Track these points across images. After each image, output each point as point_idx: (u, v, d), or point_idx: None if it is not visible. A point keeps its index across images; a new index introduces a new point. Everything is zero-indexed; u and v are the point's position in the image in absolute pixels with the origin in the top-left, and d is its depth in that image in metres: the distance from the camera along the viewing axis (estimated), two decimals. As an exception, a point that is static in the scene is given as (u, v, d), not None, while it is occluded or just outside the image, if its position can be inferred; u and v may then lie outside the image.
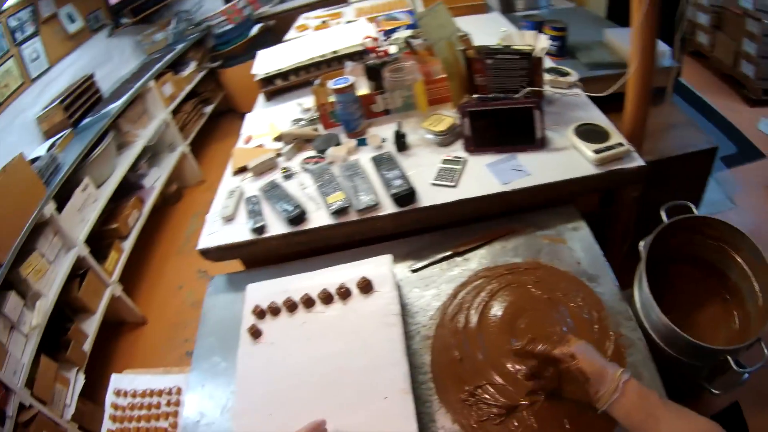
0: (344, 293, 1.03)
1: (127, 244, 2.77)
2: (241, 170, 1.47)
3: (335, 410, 0.90)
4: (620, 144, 1.17)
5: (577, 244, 1.11)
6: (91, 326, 2.47)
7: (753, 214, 2.28)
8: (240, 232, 1.27)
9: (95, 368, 2.52)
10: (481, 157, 1.26)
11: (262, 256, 1.29)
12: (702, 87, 3.12)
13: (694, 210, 1.31)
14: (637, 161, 1.15)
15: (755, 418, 1.46)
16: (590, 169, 1.15)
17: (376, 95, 1.46)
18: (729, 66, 3.04)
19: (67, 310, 2.48)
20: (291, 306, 1.06)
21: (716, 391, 1.20)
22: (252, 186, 1.40)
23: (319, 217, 1.20)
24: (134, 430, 1.38)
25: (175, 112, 3.42)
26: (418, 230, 1.19)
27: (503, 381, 0.89)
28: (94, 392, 2.48)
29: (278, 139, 1.50)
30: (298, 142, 1.46)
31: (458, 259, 1.14)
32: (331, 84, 1.41)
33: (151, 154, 3.23)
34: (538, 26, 1.95)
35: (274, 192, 1.30)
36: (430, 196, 1.18)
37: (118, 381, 1.52)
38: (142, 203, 2.95)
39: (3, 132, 2.55)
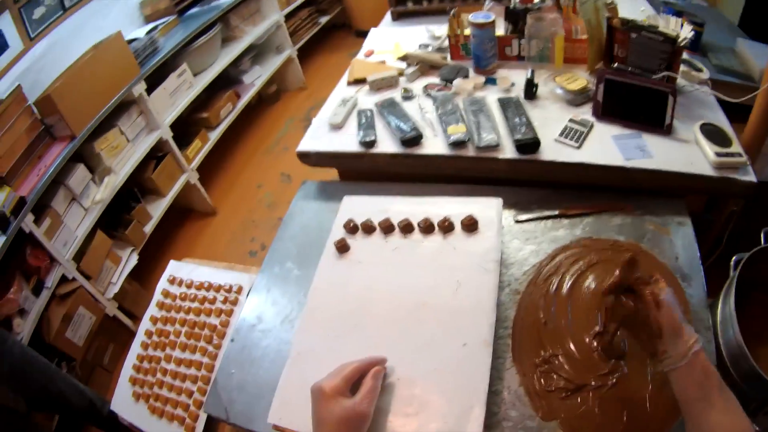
0: (447, 227, 0.98)
1: (214, 135, 2.78)
2: (359, 81, 1.43)
3: (408, 345, 0.86)
4: (740, 154, 1.09)
5: (679, 239, 1.04)
6: (158, 209, 2.50)
7: None
8: (347, 141, 1.24)
9: (152, 252, 2.57)
10: (607, 126, 1.19)
11: (363, 172, 1.26)
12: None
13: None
14: (751, 176, 1.07)
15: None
16: (708, 170, 1.07)
17: (513, 38, 1.38)
18: None
19: (138, 190, 2.52)
20: (387, 228, 1.02)
21: (757, 428, 1.15)
22: (367, 99, 1.36)
23: (434, 145, 1.16)
24: (180, 320, 1.28)
25: (289, 16, 3.38)
26: (530, 182, 1.13)
27: (580, 356, 0.85)
28: (143, 276, 2.53)
29: (403, 59, 1.44)
30: (422, 66, 1.40)
31: (564, 221, 1.08)
32: (471, 17, 1.33)
33: (256, 52, 3.22)
34: (677, 15, 1.82)
35: (391, 109, 1.26)
36: (551, 151, 1.11)
37: (175, 268, 1.41)
38: (238, 98, 2.95)
39: (100, 14, 2.53)
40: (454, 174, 1.16)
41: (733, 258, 1.24)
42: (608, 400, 0.80)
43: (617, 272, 0.75)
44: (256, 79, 3.10)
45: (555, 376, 0.83)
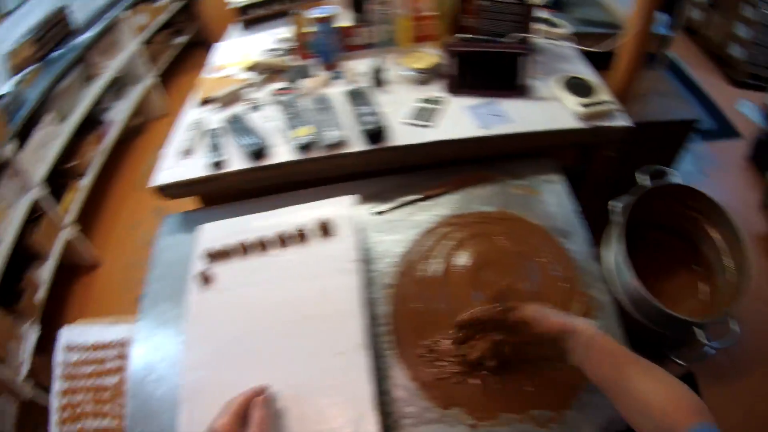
0: (302, 236, 0.94)
1: (85, 183, 2.59)
2: (208, 101, 1.34)
3: (291, 363, 0.82)
4: (608, 101, 1.11)
5: (552, 197, 1.04)
6: (45, 273, 2.29)
7: (725, 190, 2.27)
8: (198, 167, 1.15)
9: (51, 319, 2.35)
10: (463, 99, 1.18)
11: (221, 194, 1.18)
12: (688, 62, 3.06)
13: (679, 178, 1.25)
14: (625, 121, 1.10)
15: (708, 391, 1.44)
16: (574, 123, 1.09)
17: (359, 27, 1.33)
18: (718, 45, 2.96)
19: (22, 258, 2.28)
20: (246, 248, 0.97)
21: (682, 363, 1.16)
22: (216, 118, 1.27)
23: (283, 152, 1.09)
24: (84, 389, 1.22)
25: (148, 42, 3.20)
26: (389, 171, 1.10)
27: (466, 337, 0.81)
28: (50, 345, 2.37)
29: (251, 68, 1.36)
30: (270, 72, 1.33)
31: (428, 203, 1.05)
32: (310, 12, 1.28)
33: (118, 86, 3.03)
34: None
35: (237, 125, 1.18)
36: (404, 134, 1.08)
37: (67, 335, 1.33)
38: (101, 139, 2.76)
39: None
40: (309, 178, 1.10)
41: (611, 203, 1.25)
42: (507, 373, 0.78)
43: (474, 312, 0.76)
44: (119, 114, 2.93)
45: (444, 362, 0.81)
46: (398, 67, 1.25)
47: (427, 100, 1.15)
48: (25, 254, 2.29)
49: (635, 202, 1.22)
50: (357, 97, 1.16)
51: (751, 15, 2.68)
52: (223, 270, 0.96)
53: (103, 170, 2.80)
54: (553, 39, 1.37)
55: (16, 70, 2.47)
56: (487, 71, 1.17)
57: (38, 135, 2.26)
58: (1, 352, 1.94)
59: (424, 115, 1.11)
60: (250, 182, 1.12)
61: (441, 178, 1.08)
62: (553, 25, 1.41)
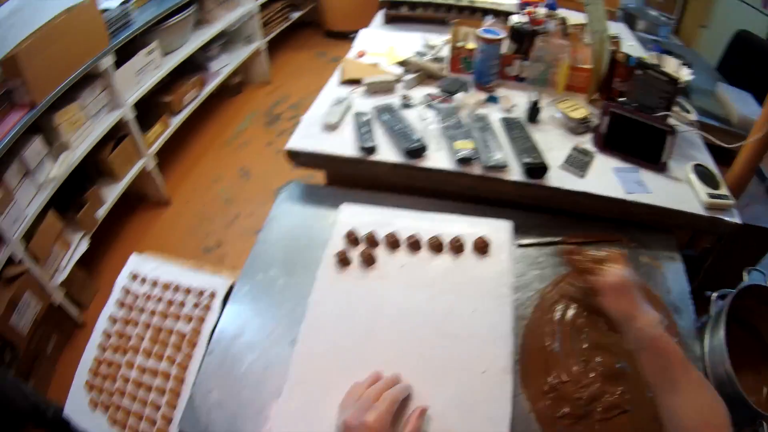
0: (457, 247, 0.90)
1: (175, 120, 2.56)
2: (352, 82, 1.31)
3: (425, 372, 0.78)
4: (728, 196, 1.10)
5: (670, 273, 1.03)
6: (111, 193, 2.27)
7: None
8: (343, 144, 1.12)
9: (102, 239, 2.35)
10: (607, 158, 1.15)
11: (356, 178, 1.14)
12: None
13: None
14: (736, 218, 1.09)
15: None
16: (699, 209, 1.08)
17: (515, 58, 1.31)
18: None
19: (93, 171, 2.28)
20: (393, 243, 0.92)
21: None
22: (363, 103, 1.24)
23: (438, 159, 1.06)
24: (144, 323, 1.13)
25: (263, 7, 3.18)
26: (529, 206, 1.07)
27: (586, 383, 0.81)
28: (92, 263, 2.31)
29: (401, 64, 1.33)
30: (421, 75, 1.31)
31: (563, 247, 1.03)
32: (480, 32, 1.25)
33: (226, 39, 3.00)
34: (665, 53, 1.84)
35: (391, 115, 1.15)
36: (557, 177, 1.05)
37: (137, 263, 1.24)
38: (202, 85, 2.73)
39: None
40: (455, 191, 1.06)
41: (713, 294, 1.25)
42: (614, 429, 0.77)
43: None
44: (223, 67, 2.88)
45: (562, 403, 0.80)
46: (552, 109, 1.23)
47: (579, 150, 1.13)
48: (98, 170, 2.28)
49: (735, 296, 1.22)
50: (514, 127, 1.13)
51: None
52: (366, 257, 0.92)
53: (194, 116, 2.77)
54: (683, 122, 1.37)
55: (128, -9, 2.44)
56: (635, 139, 1.16)
57: (138, 60, 2.24)
58: (44, 252, 1.93)
59: (577, 163, 1.09)
60: (395, 177, 1.08)
61: (579, 227, 1.06)
62: (683, 108, 1.41)
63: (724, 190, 1.11)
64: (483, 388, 0.76)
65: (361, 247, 0.94)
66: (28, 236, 1.87)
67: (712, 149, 1.28)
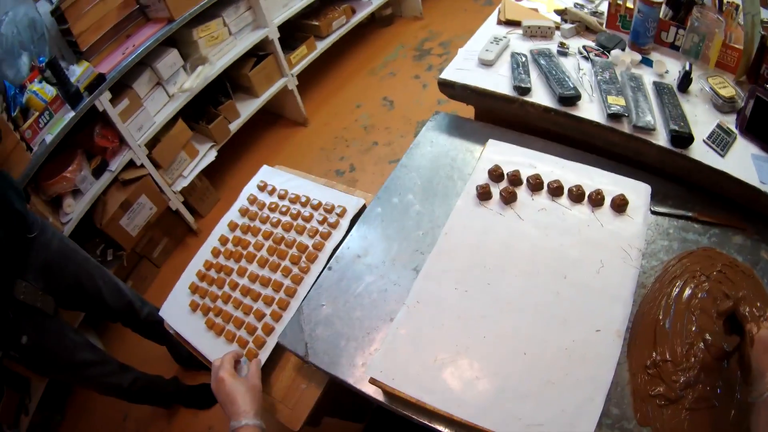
0: (597, 201, 0.93)
1: (322, 45, 2.60)
2: (510, 23, 1.35)
3: (541, 318, 0.80)
4: None
5: None
6: (248, 109, 2.34)
7: None
8: (498, 82, 1.18)
9: (231, 153, 2.43)
10: (747, 143, 1.15)
11: (505, 117, 1.20)
12: None
13: None
14: None
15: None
16: None
17: (672, 25, 1.31)
18: None
19: (233, 86, 2.34)
20: (536, 185, 0.95)
21: None
22: (521, 45, 1.29)
23: (589, 110, 1.11)
24: (265, 233, 1.09)
25: None
26: (666, 174, 1.10)
27: (687, 367, 0.80)
28: (216, 176, 2.40)
29: (560, 12, 1.36)
30: (579, 26, 1.33)
31: (695, 225, 1.04)
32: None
33: None
34: None
35: (548, 61, 1.21)
36: (699, 151, 1.08)
37: (267, 174, 1.22)
38: (353, 12, 2.76)
39: None
40: (600, 146, 1.12)
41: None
42: (698, 421, 0.76)
43: (730, 302, 0.76)
44: None
45: (659, 381, 0.79)
46: (703, 82, 1.24)
47: (723, 129, 1.15)
48: (236, 84, 2.35)
49: None
50: (665, 93, 1.16)
51: None
52: (508, 194, 0.95)
53: (341, 43, 2.80)
54: None
55: None
56: None
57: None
58: (166, 158, 2.02)
59: (719, 141, 1.12)
60: (544, 122, 1.15)
61: (711, 207, 1.07)
62: None
63: None
64: (593, 346, 0.77)
65: (504, 184, 0.98)
66: (153, 143, 1.97)
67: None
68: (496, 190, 0.97)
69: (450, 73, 1.23)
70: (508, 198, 0.95)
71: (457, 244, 0.90)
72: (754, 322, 0.72)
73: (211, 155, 2.20)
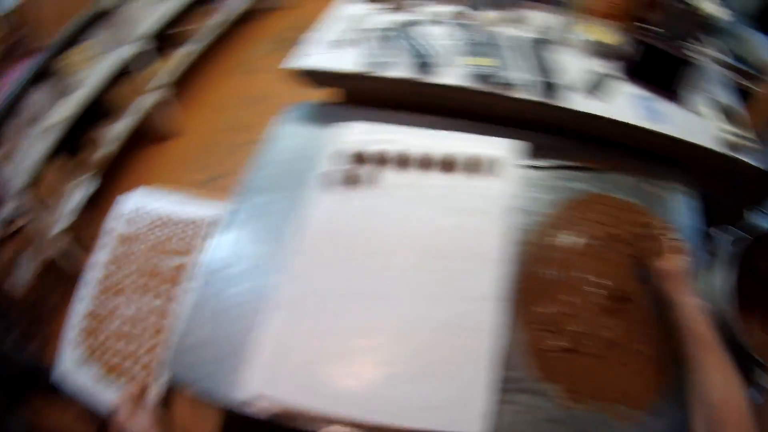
0: (469, 166, 0.89)
1: (183, 53, 2.48)
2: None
3: (414, 295, 0.78)
4: (752, 138, 1.04)
5: (683, 208, 0.99)
6: (115, 132, 2.19)
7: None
8: (354, 62, 1.08)
9: (111, 178, 2.27)
10: (630, 85, 1.10)
11: (369, 97, 1.11)
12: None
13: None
14: (760, 163, 1.03)
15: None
16: (719, 147, 1.03)
17: (542, -21, 1.24)
18: None
19: (103, 109, 2.17)
20: (403, 161, 0.91)
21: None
22: (383, 20, 1.19)
23: (453, 74, 1.02)
24: (136, 263, 1.06)
25: None
26: (542, 127, 1.03)
27: (582, 313, 0.78)
28: (101, 204, 2.16)
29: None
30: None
31: (579, 173, 0.98)
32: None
33: None
34: None
35: (410, 31, 1.11)
36: (575, 99, 1.01)
37: (126, 203, 1.19)
38: (214, 13, 2.64)
39: None
40: (470, 109, 1.03)
41: (722, 233, 1.20)
42: (597, 370, 0.75)
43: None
44: None
45: (556, 333, 0.77)
46: (577, 32, 1.16)
47: (602, 74, 1.07)
48: (107, 108, 2.17)
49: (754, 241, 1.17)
50: (539, 47, 1.08)
51: None
52: (368, 175, 0.92)
53: (217, 45, 2.71)
54: (709, 59, 1.29)
55: None
56: (662, 70, 1.10)
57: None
58: (47, 200, 1.82)
59: (598, 87, 1.04)
60: (407, 94, 1.05)
61: (595, 152, 1.02)
62: (715, 47, 1.34)
63: (748, 132, 1.06)
64: (473, 316, 0.74)
65: (369, 166, 0.93)
66: (34, 182, 1.77)
67: (744, 95, 1.20)
68: (360, 173, 0.92)
69: (309, 62, 1.12)
70: (373, 180, 0.91)
71: (324, 235, 0.87)
72: (654, 256, 0.78)
73: (91, 186, 2.03)
